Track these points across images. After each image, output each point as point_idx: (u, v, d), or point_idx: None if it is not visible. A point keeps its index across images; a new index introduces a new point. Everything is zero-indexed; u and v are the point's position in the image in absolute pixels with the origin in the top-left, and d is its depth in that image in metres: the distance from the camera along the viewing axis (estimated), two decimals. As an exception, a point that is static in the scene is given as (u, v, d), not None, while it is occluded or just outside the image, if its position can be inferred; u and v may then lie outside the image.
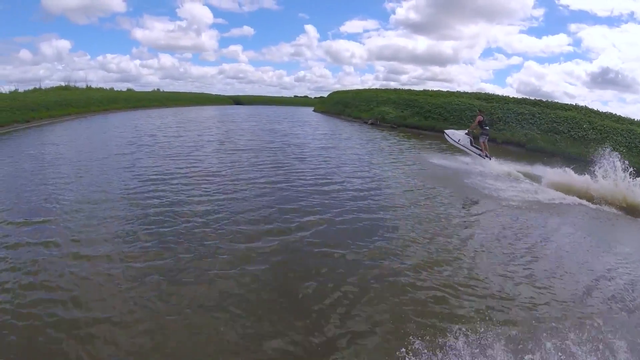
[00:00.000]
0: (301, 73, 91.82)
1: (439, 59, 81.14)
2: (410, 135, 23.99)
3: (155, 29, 76.89)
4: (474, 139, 13.14)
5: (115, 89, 50.55)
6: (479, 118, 12.66)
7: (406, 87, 36.97)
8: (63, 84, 41.81)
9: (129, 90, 54.52)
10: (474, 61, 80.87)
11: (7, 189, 8.90)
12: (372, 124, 28.98)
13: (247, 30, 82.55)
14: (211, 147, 17.08)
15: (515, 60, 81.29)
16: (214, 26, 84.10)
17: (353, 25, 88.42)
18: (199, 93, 72.14)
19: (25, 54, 62.10)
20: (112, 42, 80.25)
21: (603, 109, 23.16)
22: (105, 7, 77.27)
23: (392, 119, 27.49)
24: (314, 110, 52.13)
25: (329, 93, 60.15)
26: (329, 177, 11.14)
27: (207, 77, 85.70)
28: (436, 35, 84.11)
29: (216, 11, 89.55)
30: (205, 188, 9.31)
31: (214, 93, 75.13)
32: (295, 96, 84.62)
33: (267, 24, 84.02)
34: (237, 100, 75.58)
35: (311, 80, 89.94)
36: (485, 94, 27.46)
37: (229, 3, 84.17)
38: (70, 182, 9.61)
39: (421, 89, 32.87)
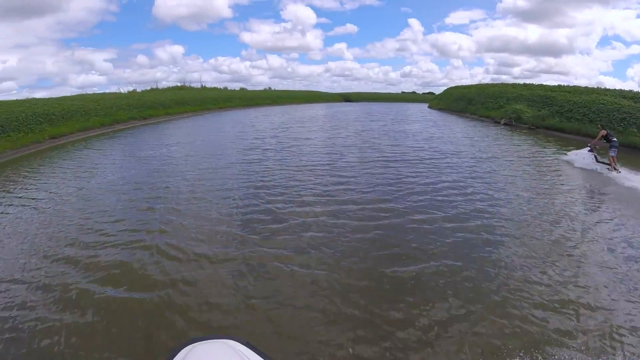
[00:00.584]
0: (407, 68, 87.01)
1: (552, 49, 71.63)
2: (565, 141, 16.51)
3: (262, 32, 79.04)
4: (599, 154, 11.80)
5: (229, 89, 50.04)
6: (602, 132, 11.42)
7: (519, 81, 32.77)
8: (179, 84, 42.01)
9: (242, 89, 54.07)
10: (590, 51, 71.21)
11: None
12: (505, 124, 23.46)
13: (351, 27, 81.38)
14: (352, 156, 12.40)
15: (636, 49, 67.62)
16: (317, 26, 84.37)
17: (458, 16, 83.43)
18: (309, 91, 70.16)
19: (142, 59, 66.34)
20: (222, 46, 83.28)
21: None
22: (214, 14, 78.78)
23: (529, 119, 22.45)
24: (429, 107, 46.65)
25: (439, 88, 60.04)
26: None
27: (313, 75, 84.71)
28: (548, 22, 73.64)
29: (319, 11, 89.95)
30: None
31: (321, 90, 74.01)
32: (403, 92, 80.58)
33: (370, 20, 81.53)
34: (347, 98, 72.15)
35: (417, 76, 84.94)
36: (632, 92, 20.48)
37: (330, 2, 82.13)
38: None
39: (536, 82, 29.31)
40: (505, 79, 76.58)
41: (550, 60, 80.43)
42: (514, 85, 30.17)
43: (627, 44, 75.11)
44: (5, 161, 12.97)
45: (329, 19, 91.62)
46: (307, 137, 16.50)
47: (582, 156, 11.91)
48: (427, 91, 79.04)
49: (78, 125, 18.31)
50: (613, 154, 10.97)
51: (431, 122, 26.09)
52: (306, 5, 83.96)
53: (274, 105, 48.92)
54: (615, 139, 11.22)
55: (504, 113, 24.21)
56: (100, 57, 69.23)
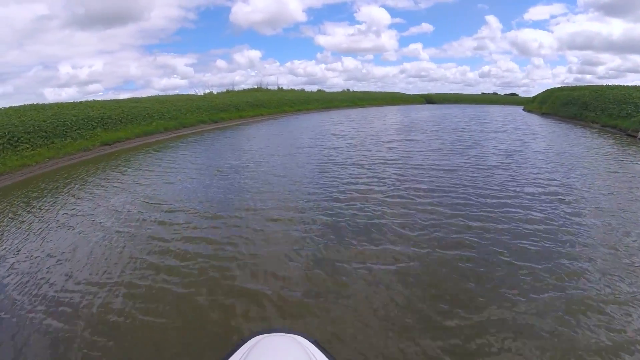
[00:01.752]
0: (485, 68, 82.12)
1: (638, 45, 62.16)
2: None
3: (337, 34, 77.89)
4: None
5: (306, 91, 46.90)
6: None
7: (604, 81, 25.42)
8: (255, 86, 39.47)
9: (319, 91, 50.57)
10: None
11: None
12: None
13: (426, 27, 78.60)
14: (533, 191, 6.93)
15: None
16: (392, 26, 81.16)
17: (538, 12, 75.85)
18: (389, 92, 65.09)
19: (221, 63, 67.33)
20: (297, 49, 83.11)
21: None
22: (288, 18, 78.06)
23: None
24: (526, 110, 40.46)
25: (520, 89, 56.48)
26: None
27: (389, 76, 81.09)
28: (633, 16, 63.21)
29: (393, 11, 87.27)
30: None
31: (396, 91, 69.24)
32: (483, 93, 74.39)
33: (446, 18, 78.85)
34: (429, 99, 65.83)
35: (497, 75, 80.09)
36: None
37: (404, 2, 79.61)
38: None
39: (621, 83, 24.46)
40: (590, 78, 74.93)
41: (637, 58, 72.05)
42: (637, 88, 23.81)
43: None
44: (34, 175, 10.10)
45: (403, 19, 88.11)
46: (435, 164, 10.37)
47: None
48: (509, 92, 73.90)
49: (137, 130, 15.50)
50: None
51: (537, 133, 19.38)
52: (380, 6, 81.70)
53: (353, 107, 44.65)
54: None
55: (636, 123, 17.80)
56: (181, 62, 71.97)
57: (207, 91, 30.99)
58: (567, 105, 28.95)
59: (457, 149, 13.07)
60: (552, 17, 79.83)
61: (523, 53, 75.73)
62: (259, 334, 1.58)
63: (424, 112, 37.14)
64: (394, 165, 10.20)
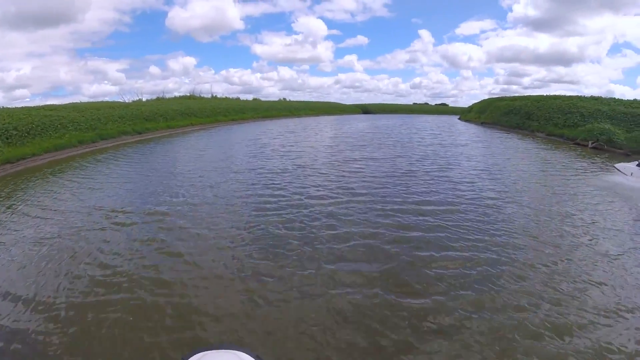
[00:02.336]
0: (417, 79, 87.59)
1: (563, 58, 71.71)
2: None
3: (274, 44, 78.18)
4: None
5: (242, 99, 46.09)
6: None
7: (529, 92, 30.60)
8: (188, 94, 37.83)
9: (255, 99, 49.66)
10: (601, 59, 71.16)
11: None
12: (594, 147, 18.14)
13: (361, 39, 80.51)
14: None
15: None
16: (328, 37, 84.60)
17: (469, 27, 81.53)
18: (327, 102, 65.48)
19: (154, 69, 64.56)
20: (234, 58, 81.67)
21: None
22: (226, 26, 76.98)
23: (622, 141, 18.16)
24: (463, 120, 42.81)
25: (449, 99, 61.59)
26: None
27: (324, 87, 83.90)
28: (559, 32, 73.46)
29: (330, 23, 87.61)
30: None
31: (332, 101, 69.74)
32: (415, 103, 78.80)
33: (381, 32, 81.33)
34: (365, 109, 67.76)
35: (427, 87, 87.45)
36: None
37: (342, 14, 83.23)
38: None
39: (544, 93, 30.14)
40: (515, 89, 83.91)
41: (560, 70, 79.87)
42: (581, 98, 25.26)
43: (638, 51, 73.13)
44: None
45: (340, 31, 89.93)
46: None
47: (630, 170, 11.25)
48: (439, 102, 78.88)
49: (47, 144, 13.91)
50: None
51: (489, 143, 20.11)
52: (318, 17, 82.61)
53: (290, 117, 44.54)
54: None
55: (589, 133, 19.20)
56: (113, 68, 67.15)
57: (136, 98, 29.02)
58: (509, 115, 29.94)
59: (435, 172, 11.35)
60: (483, 32, 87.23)
61: (453, 65, 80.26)
62: (199, 351, 1.56)
63: (364, 122, 36.80)
64: (368, 203, 7.79)
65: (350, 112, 61.91)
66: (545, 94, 32.74)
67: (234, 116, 31.76)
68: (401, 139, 21.38)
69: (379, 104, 74.01)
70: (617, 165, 12.33)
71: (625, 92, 79.18)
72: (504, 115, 31.05)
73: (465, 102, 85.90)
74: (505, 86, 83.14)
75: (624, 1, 63.01)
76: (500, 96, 38.66)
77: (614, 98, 24.62)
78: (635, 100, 23.38)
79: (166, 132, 21.39)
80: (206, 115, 27.40)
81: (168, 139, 19.66)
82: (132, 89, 79.88)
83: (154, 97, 31.68)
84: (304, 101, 57.70)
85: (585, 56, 70.41)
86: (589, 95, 27.07)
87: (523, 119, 27.18)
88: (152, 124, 20.87)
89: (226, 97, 42.32)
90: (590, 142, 18.46)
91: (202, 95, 37.82)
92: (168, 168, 12.04)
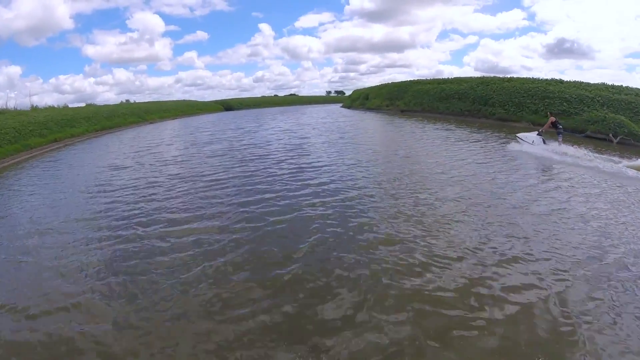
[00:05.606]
0: (259, 73, 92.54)
1: (396, 45, 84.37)
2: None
3: (107, 43, 73.63)
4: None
5: (70, 106, 34.29)
6: (552, 119, 12.70)
7: (366, 77, 32.23)
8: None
9: (89, 105, 38.05)
10: (431, 44, 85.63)
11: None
12: (620, 142, 14.88)
13: (201, 35, 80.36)
14: None
15: (472, 39, 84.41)
16: (166, 34, 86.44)
17: (308, 20, 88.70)
18: (185, 100, 57.06)
19: None
20: (64, 62, 75.52)
21: (561, 77, 22.12)
22: (54, 26, 69.32)
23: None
24: (344, 107, 43.15)
25: (291, 90, 67.78)
26: None
27: (164, 87, 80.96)
28: (393, 21, 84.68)
29: (168, 18, 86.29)
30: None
31: (191, 99, 63.49)
32: (263, 96, 79.19)
33: (221, 26, 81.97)
34: (227, 105, 61.91)
35: (270, 80, 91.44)
36: None
37: (180, 9, 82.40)
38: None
39: (380, 77, 28.09)
40: (353, 75, 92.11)
41: (394, 56, 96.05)
42: (549, 82, 21.65)
43: (464, 35, 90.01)
44: None
45: (178, 26, 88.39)
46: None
47: (531, 139, 12.76)
48: (289, 93, 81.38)
49: None
50: (560, 139, 12.52)
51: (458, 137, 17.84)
52: (154, 13, 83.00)
53: (140, 124, 35.09)
54: (561, 126, 12.80)
55: (602, 125, 15.77)
56: None
57: None
58: (449, 100, 25.51)
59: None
60: (321, 24, 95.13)
61: (294, 57, 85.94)
62: None
63: (251, 123, 30.93)
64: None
65: (211, 110, 54.80)
66: (436, 78, 31.96)
67: (57, 134, 22.15)
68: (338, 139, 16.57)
69: (240, 98, 70.11)
70: (519, 135, 13.60)
71: (453, 71, 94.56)
72: (440, 100, 26.87)
73: (307, 92, 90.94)
74: (344, 74, 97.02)
75: (454, -9, 72.70)
76: (417, 79, 35.48)
77: (604, 84, 20.43)
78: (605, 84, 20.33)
79: None
80: (5, 141, 17.52)
81: None
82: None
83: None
84: (154, 101, 47.79)
85: (416, 42, 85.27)
86: (491, 76, 26.05)
87: (476, 104, 23.56)
88: None
89: (50, 107, 30.61)
90: (615, 137, 14.95)
91: (16, 108, 25.81)
92: None
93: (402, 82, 36.72)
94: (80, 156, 17.41)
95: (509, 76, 25.36)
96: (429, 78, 33.46)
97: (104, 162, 14.63)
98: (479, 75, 29.10)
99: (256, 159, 13.16)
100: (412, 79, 35.98)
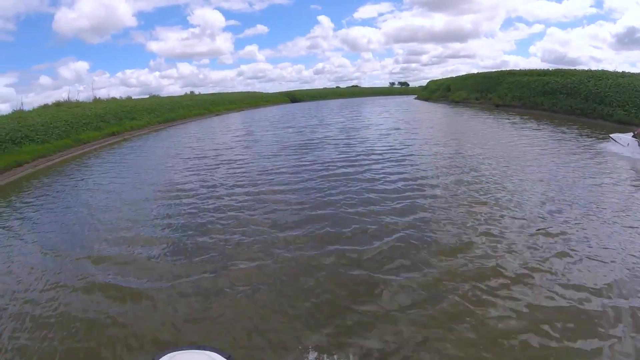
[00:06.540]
0: (320, 65, 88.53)
1: (458, 35, 78.26)
2: None
3: (170, 39, 73.82)
4: None
5: (134, 98, 31.98)
6: None
7: (427, 67, 28.56)
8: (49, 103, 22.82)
9: (153, 97, 35.81)
10: (495, 33, 78.67)
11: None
12: None
13: (261, 28, 79.37)
14: None
15: (537, 28, 77.23)
16: (227, 29, 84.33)
17: (367, 10, 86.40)
18: (249, 92, 54.61)
19: (45, 80, 56.51)
20: (128, 58, 74.74)
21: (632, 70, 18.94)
22: (117, 24, 69.62)
23: None
24: (419, 99, 39.42)
25: (352, 82, 71.06)
26: None
27: (226, 80, 79.15)
28: (454, 10, 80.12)
29: (227, 13, 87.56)
30: None
31: (256, 91, 60.95)
32: (325, 87, 76.89)
33: (280, 19, 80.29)
34: (293, 97, 59.46)
35: (330, 71, 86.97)
36: None
37: (239, 4, 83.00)
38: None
39: (443, 68, 22.34)
40: (415, 66, 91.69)
41: (456, 46, 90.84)
42: None
43: (529, 24, 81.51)
44: None
45: (238, 21, 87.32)
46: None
47: (626, 141, 11.07)
48: (351, 85, 79.60)
49: None
50: None
51: None
52: (214, 9, 78.81)
53: (206, 116, 32.05)
54: None
55: None
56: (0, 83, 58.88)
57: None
58: (556, 95, 20.84)
59: None
60: (380, 14, 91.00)
61: (354, 49, 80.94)
62: (170, 351, 1.53)
63: (336, 116, 26.58)
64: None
65: (277, 102, 51.42)
66: (534, 69, 25.74)
67: (118, 127, 19.04)
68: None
69: (305, 90, 67.94)
70: (612, 135, 12.07)
71: (519, 62, 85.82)
72: (543, 95, 21.96)
73: (368, 83, 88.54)
74: (405, 65, 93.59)
75: (516, -22, 68.23)
76: (510, 69, 29.37)
77: None
78: None
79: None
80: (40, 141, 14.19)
81: None
82: (25, 104, 61.24)
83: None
84: (219, 93, 45.10)
85: (479, 31, 78.19)
86: (601, 70, 20.32)
87: (589, 102, 18.36)
88: None
89: (113, 98, 28.44)
90: None
91: (78, 100, 23.50)
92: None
93: (491, 72, 31.40)
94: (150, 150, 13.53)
95: (585, 69, 21.47)
96: (493, 70, 30.84)
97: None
98: (545, 67, 25.15)
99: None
100: (504, 70, 30.00)
